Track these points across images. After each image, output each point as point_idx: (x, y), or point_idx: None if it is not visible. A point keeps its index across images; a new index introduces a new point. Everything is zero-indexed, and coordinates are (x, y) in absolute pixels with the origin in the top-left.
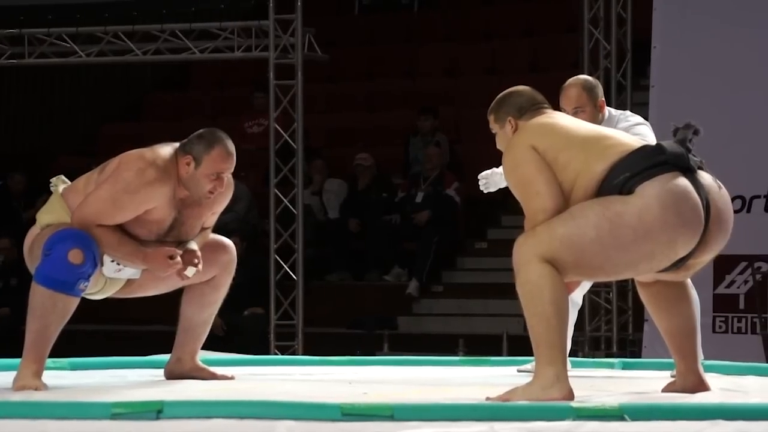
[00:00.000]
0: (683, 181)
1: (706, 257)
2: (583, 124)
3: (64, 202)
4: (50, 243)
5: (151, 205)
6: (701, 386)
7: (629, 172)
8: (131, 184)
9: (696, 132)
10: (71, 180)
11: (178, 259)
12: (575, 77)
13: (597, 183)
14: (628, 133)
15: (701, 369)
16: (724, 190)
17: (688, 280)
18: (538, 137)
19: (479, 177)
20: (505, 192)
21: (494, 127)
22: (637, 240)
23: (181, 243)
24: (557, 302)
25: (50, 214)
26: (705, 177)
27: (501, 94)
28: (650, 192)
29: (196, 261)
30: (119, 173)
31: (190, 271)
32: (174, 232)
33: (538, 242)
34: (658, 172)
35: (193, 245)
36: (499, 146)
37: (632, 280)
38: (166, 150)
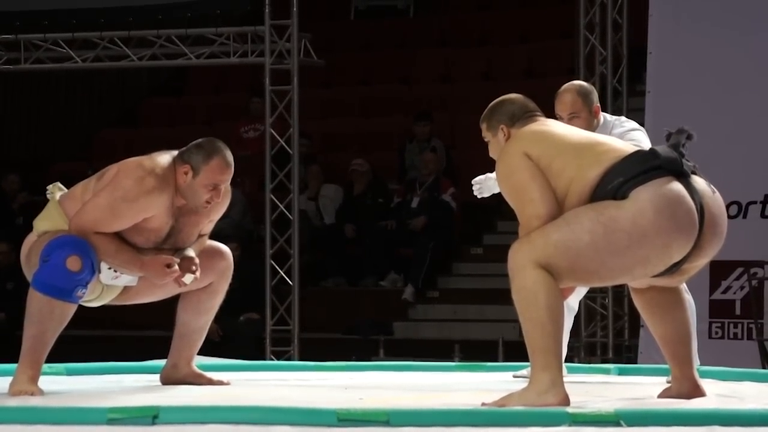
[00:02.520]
0: (677, 186)
1: (701, 262)
2: (576, 130)
3: (61, 209)
4: (48, 249)
5: (149, 214)
6: (697, 392)
7: (623, 177)
8: (130, 193)
9: (689, 137)
10: (67, 187)
11: (176, 267)
12: (570, 83)
13: (591, 189)
14: (622, 138)
15: (697, 375)
16: (717, 194)
17: (684, 285)
18: (531, 144)
19: (473, 182)
20: (500, 198)
21: (487, 135)
22: (631, 244)
23: (178, 250)
24: (552, 308)
25: (47, 221)
26: (698, 181)
27: (492, 103)
28: (644, 196)
29: (193, 268)
30: (118, 181)
31: (187, 278)
32: (171, 239)
33: (533, 248)
34: (652, 177)
35: (191, 252)
36: (491, 154)
37: (628, 285)
38: (164, 158)
